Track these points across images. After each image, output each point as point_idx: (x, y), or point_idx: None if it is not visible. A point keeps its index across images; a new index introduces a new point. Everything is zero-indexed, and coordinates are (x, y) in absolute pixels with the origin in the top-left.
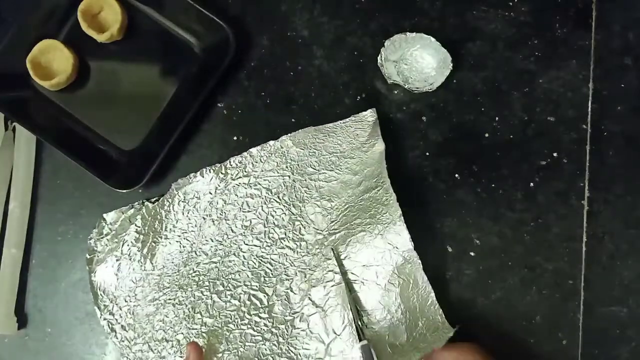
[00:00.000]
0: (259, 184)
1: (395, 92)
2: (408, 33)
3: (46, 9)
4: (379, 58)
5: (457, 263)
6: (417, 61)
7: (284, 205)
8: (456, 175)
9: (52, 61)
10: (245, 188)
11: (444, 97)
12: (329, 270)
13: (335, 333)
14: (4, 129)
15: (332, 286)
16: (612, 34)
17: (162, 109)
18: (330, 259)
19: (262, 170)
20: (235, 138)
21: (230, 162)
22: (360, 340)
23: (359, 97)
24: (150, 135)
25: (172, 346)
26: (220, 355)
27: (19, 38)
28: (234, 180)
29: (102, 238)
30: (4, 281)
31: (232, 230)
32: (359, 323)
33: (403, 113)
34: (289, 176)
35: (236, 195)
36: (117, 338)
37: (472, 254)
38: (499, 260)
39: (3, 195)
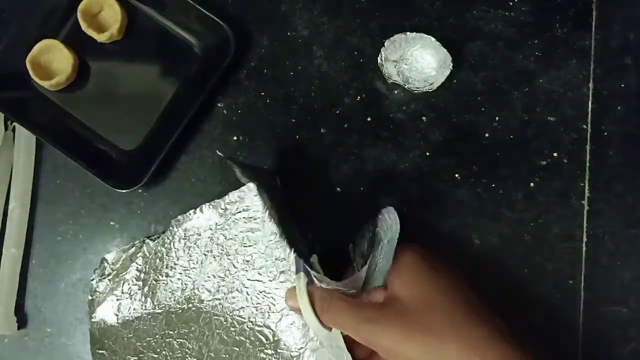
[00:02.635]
0: (259, 217)
1: (395, 92)
2: (408, 33)
3: (46, 9)
4: (378, 58)
5: (457, 263)
6: (417, 61)
7: (282, 238)
8: (456, 175)
9: (51, 61)
10: (245, 222)
11: (444, 97)
12: None
13: None
14: (4, 129)
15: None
16: (612, 34)
17: (162, 109)
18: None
19: (261, 204)
20: (235, 138)
21: (229, 196)
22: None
23: (359, 97)
24: (150, 135)
25: None
26: None
27: (19, 38)
28: (233, 215)
29: (104, 279)
30: (4, 281)
31: (233, 265)
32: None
33: (403, 113)
34: (285, 209)
35: (236, 230)
36: None
37: (471, 253)
38: (498, 260)
39: (3, 195)
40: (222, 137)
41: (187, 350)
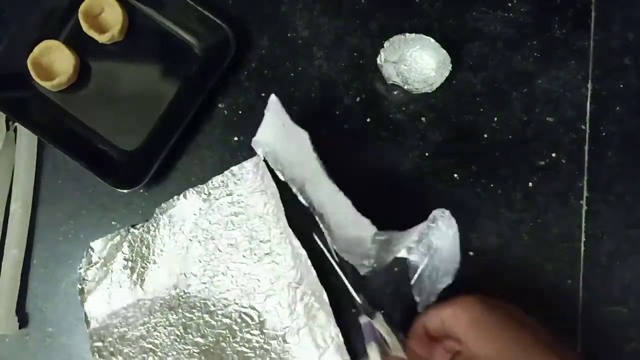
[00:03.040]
0: (242, 201)
1: (395, 92)
2: (407, 34)
3: (47, 9)
4: (378, 59)
5: None
6: (417, 62)
7: (266, 222)
8: (455, 175)
9: (53, 62)
10: (229, 207)
11: (443, 98)
12: (311, 282)
13: (325, 343)
14: (5, 130)
15: (315, 300)
16: (611, 35)
17: (163, 109)
18: (311, 269)
19: (244, 188)
20: (235, 138)
21: (212, 182)
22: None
23: (358, 98)
24: (151, 135)
25: None
26: None
27: (20, 38)
28: (217, 200)
29: (91, 267)
30: (5, 281)
31: (218, 249)
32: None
33: (402, 114)
34: (266, 193)
35: (220, 214)
36: None
37: (470, 253)
38: (498, 260)
39: (4, 195)
40: (222, 137)
41: (175, 335)
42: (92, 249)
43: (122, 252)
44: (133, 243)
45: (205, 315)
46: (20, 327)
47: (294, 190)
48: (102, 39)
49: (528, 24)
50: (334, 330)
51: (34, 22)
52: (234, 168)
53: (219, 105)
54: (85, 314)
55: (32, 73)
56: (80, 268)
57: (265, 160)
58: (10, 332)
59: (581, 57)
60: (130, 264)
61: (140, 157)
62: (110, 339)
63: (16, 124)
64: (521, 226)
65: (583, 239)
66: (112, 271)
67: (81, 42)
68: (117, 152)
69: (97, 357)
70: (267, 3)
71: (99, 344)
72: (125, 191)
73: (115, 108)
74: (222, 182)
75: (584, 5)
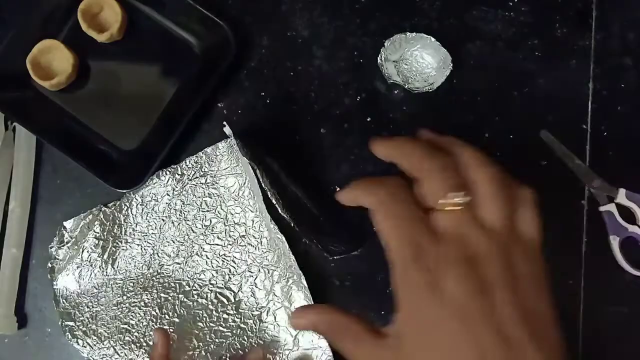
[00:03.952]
0: (216, 182)
1: (395, 92)
2: (408, 33)
3: (46, 9)
4: (378, 58)
5: None
6: (417, 61)
7: (241, 204)
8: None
9: (52, 61)
10: (203, 188)
11: (444, 97)
12: (290, 266)
13: None
14: (4, 129)
15: (292, 283)
16: (612, 34)
17: (162, 109)
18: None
19: (218, 170)
20: None
21: (186, 162)
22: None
23: (359, 97)
24: (150, 135)
25: (140, 347)
26: (190, 353)
27: (19, 38)
28: (190, 180)
29: (62, 246)
30: (4, 281)
31: (192, 230)
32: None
33: (403, 113)
34: (242, 176)
35: (194, 195)
36: (78, 344)
37: None
38: None
39: (3, 195)
40: (222, 137)
41: (150, 316)
42: (64, 227)
43: (94, 231)
44: (105, 222)
45: (180, 296)
46: (19, 328)
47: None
48: (101, 38)
49: (529, 24)
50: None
51: (33, 22)
52: (208, 149)
53: (219, 105)
54: (54, 292)
55: (31, 73)
56: (51, 247)
57: (239, 144)
58: (9, 332)
59: (582, 57)
60: (101, 243)
61: (140, 157)
62: (82, 318)
63: (15, 123)
64: None
65: (584, 238)
66: (83, 250)
67: (80, 41)
68: (116, 152)
69: (69, 336)
70: (267, 2)
71: (70, 323)
72: (124, 191)
73: (114, 108)
74: (196, 162)
75: (584, 4)
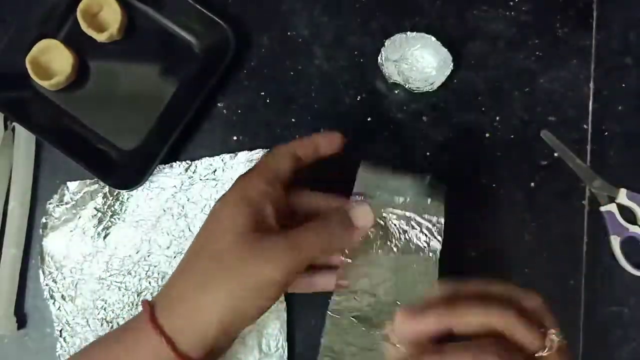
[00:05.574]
0: (225, 190)
1: (396, 91)
2: (408, 32)
3: (45, 8)
4: (379, 58)
5: (457, 263)
6: (418, 61)
7: None
8: (456, 175)
9: (51, 61)
10: (211, 191)
11: (444, 97)
12: None
13: (270, 350)
14: (4, 129)
15: (274, 309)
16: (613, 34)
17: (162, 109)
18: None
19: (230, 179)
20: (235, 138)
21: (202, 162)
22: None
23: (359, 97)
24: (150, 135)
25: (112, 328)
26: None
27: (18, 38)
28: (201, 180)
29: (61, 205)
30: (4, 281)
31: (189, 229)
32: None
33: (403, 113)
34: None
35: (200, 195)
36: (54, 306)
37: (472, 254)
38: (499, 261)
39: (2, 195)
40: (222, 137)
41: (128, 300)
42: (67, 187)
43: (95, 202)
44: (108, 196)
45: (160, 287)
46: (18, 328)
47: None
48: (101, 37)
49: (530, 23)
50: (282, 343)
51: (32, 22)
52: (226, 156)
53: (219, 104)
54: (42, 247)
55: (30, 72)
56: (50, 203)
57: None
58: (9, 332)
59: (583, 57)
60: (99, 214)
61: (140, 157)
62: (63, 282)
63: (14, 123)
64: (523, 226)
65: (585, 239)
66: (80, 217)
67: (80, 41)
68: (115, 151)
69: (48, 297)
70: (267, 3)
71: (52, 283)
72: (124, 191)
73: (114, 107)
74: (211, 165)
75: (585, 4)
